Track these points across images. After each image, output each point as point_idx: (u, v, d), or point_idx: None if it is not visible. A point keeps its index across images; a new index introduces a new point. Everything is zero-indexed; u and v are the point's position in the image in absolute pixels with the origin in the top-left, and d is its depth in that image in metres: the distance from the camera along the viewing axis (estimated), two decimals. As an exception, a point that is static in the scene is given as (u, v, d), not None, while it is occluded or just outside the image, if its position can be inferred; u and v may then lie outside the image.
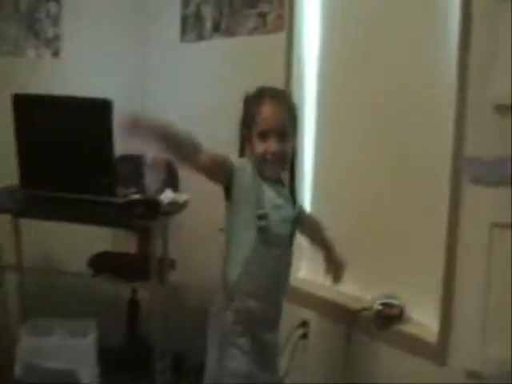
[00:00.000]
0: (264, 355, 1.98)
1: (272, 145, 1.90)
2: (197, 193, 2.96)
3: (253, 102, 1.96)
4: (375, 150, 2.37)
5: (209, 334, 2.00)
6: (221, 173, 1.90)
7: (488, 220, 1.86)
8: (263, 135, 1.91)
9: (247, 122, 1.96)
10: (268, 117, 1.90)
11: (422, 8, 2.19)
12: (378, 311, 2.19)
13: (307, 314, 2.44)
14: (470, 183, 1.92)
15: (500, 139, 1.83)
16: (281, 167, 1.98)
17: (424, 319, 2.16)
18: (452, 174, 2.00)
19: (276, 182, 2.00)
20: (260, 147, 1.91)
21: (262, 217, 1.90)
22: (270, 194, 1.94)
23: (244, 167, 1.93)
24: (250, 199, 1.91)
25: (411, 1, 2.26)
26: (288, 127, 1.93)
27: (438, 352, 2.01)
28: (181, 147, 1.87)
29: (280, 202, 1.97)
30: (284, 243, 2.01)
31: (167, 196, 2.72)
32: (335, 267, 2.21)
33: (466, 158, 1.94)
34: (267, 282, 1.96)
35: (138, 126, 1.79)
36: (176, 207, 2.74)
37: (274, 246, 1.95)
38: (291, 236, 2.05)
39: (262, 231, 1.90)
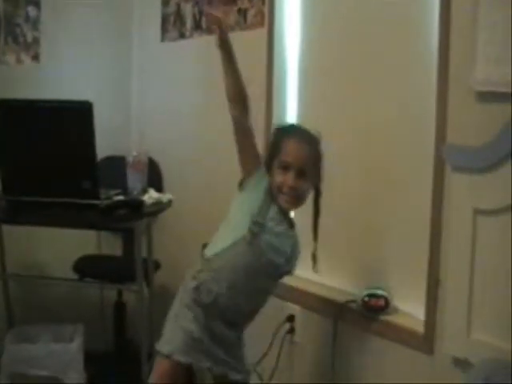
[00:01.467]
0: (220, 343, 1.99)
1: (290, 178, 1.97)
2: (181, 192, 2.97)
3: (282, 134, 2.07)
4: (358, 143, 2.37)
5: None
6: (251, 153, 1.99)
7: (471, 207, 1.85)
8: (284, 167, 1.99)
9: (272, 151, 2.05)
10: (292, 151, 2.00)
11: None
12: (364, 302, 2.19)
13: (293, 308, 2.43)
14: (452, 171, 1.92)
15: (482, 126, 1.83)
16: (294, 203, 2.02)
17: (411, 309, 2.16)
18: (435, 163, 2.00)
19: (284, 214, 2.03)
20: (279, 178, 1.99)
21: (255, 223, 1.95)
22: (273, 215, 1.98)
23: (265, 175, 2.01)
24: (256, 203, 1.97)
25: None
26: (308, 168, 2.00)
27: (425, 341, 2.01)
28: (240, 89, 1.97)
29: (278, 230, 1.99)
30: (268, 268, 1.99)
31: (151, 196, 2.71)
32: None
33: (449, 146, 1.94)
34: (233, 281, 1.96)
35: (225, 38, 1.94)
36: (160, 207, 2.73)
37: (257, 259, 1.96)
38: (278, 273, 2.04)
39: (252, 236, 1.95)
